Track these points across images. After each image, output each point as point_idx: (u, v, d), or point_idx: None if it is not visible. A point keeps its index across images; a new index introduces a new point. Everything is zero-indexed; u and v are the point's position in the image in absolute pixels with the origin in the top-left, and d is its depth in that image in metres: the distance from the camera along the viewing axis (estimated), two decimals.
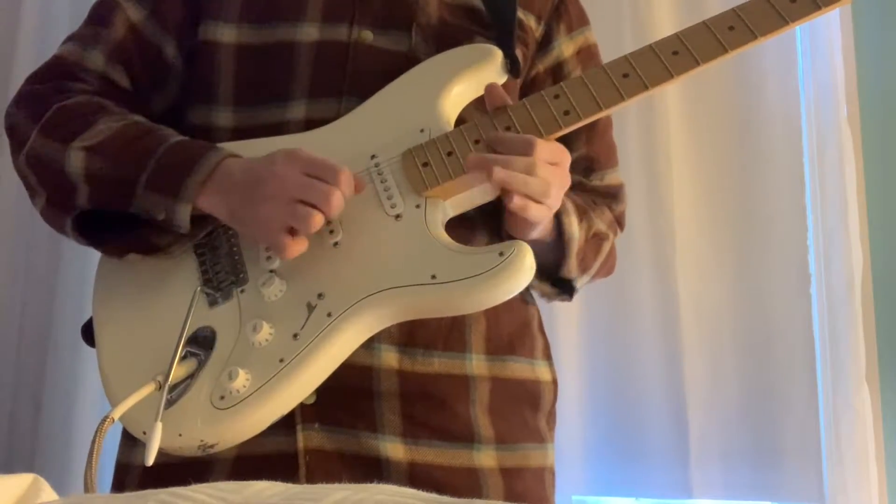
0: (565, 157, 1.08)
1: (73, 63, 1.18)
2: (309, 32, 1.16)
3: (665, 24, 1.94)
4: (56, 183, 1.09)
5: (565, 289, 1.23)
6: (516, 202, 1.03)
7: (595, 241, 1.23)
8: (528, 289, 1.23)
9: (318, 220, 0.99)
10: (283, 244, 0.99)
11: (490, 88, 1.09)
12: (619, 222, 1.29)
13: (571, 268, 1.18)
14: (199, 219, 1.06)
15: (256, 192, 1.00)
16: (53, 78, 1.18)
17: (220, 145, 1.08)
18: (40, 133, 1.11)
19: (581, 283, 1.23)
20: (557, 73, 1.25)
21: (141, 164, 1.05)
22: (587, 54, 1.27)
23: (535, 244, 1.09)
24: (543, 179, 1.03)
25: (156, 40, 1.19)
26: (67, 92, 1.15)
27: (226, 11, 1.18)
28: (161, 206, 1.03)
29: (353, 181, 1.01)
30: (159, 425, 0.93)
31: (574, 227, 1.16)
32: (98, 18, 1.21)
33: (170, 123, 1.14)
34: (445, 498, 0.61)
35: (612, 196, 1.28)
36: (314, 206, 0.98)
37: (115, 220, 1.09)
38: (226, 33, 1.17)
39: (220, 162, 1.04)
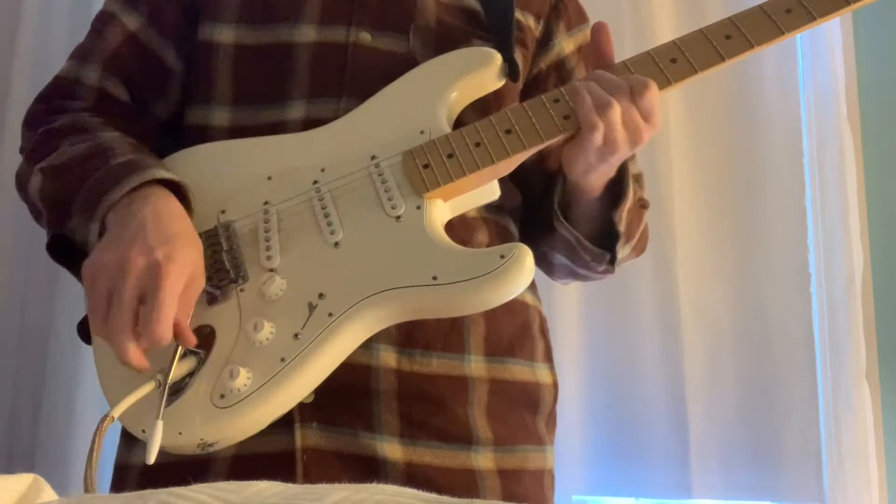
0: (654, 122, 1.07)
1: (71, 81, 1.20)
2: (307, 34, 1.16)
3: (665, 24, 1.94)
4: (31, 205, 1.14)
5: (606, 259, 1.19)
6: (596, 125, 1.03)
7: (638, 207, 1.23)
8: (533, 290, 1.23)
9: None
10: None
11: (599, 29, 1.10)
12: None
13: (622, 215, 1.16)
14: None
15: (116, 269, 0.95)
16: (52, 98, 1.20)
17: (158, 162, 1.08)
18: (25, 159, 1.16)
19: (623, 254, 1.21)
20: (560, 69, 1.25)
21: (77, 187, 1.05)
22: (587, 51, 1.27)
23: (582, 195, 1.12)
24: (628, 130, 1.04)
25: (155, 47, 1.19)
26: (62, 112, 1.17)
27: (224, 12, 1.18)
28: (83, 227, 1.03)
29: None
30: (160, 424, 0.93)
31: (629, 181, 1.16)
32: (94, 32, 1.23)
33: (176, 128, 1.15)
34: (446, 498, 0.61)
35: None
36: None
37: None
38: (224, 34, 1.18)
39: (131, 191, 1.01)
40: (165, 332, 0.93)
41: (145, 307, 0.93)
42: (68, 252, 1.10)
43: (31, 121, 1.20)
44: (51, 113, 1.17)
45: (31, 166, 1.13)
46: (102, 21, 1.22)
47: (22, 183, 1.15)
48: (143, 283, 0.94)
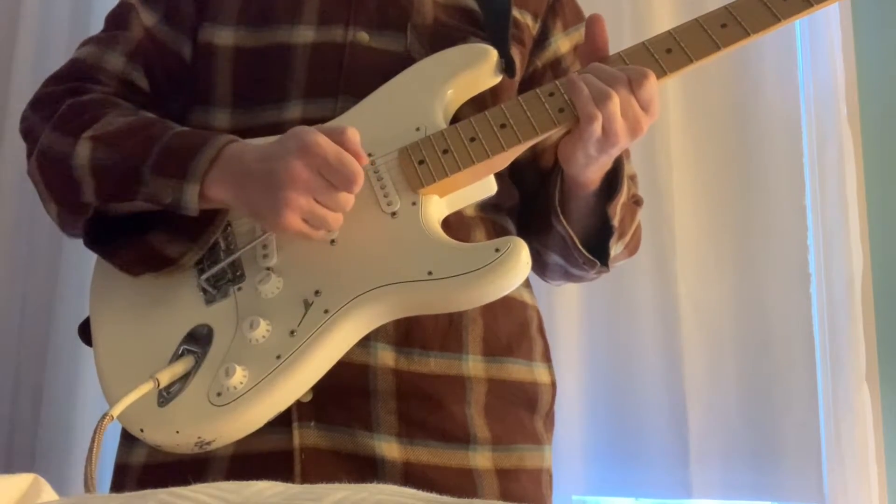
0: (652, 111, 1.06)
1: (92, 65, 1.18)
2: (305, 34, 1.16)
3: (665, 24, 1.94)
4: (63, 180, 1.09)
5: (600, 256, 1.19)
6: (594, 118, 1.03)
7: (632, 204, 1.23)
8: (530, 289, 1.23)
9: (334, 224, 1.00)
10: (302, 234, 1.00)
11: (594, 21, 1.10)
12: None
13: (616, 210, 1.15)
14: (206, 221, 1.05)
15: (271, 182, 0.99)
16: (71, 80, 1.18)
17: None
18: (51, 129, 1.12)
19: (616, 251, 1.21)
20: (556, 67, 1.25)
21: (146, 151, 1.04)
22: (583, 50, 1.27)
23: (579, 190, 1.11)
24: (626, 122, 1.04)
25: (172, 43, 1.19)
26: (84, 93, 1.15)
27: (223, 14, 1.19)
28: (168, 190, 1.02)
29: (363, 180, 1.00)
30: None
31: (624, 176, 1.15)
32: (116, 22, 1.21)
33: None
34: (445, 498, 0.61)
35: None
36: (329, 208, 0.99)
37: (124, 230, 1.08)
38: (223, 36, 1.18)
39: (226, 145, 1.04)
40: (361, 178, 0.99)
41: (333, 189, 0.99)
42: (95, 232, 1.09)
43: (43, 101, 1.17)
44: (74, 92, 1.15)
45: (69, 136, 1.09)
46: (124, 12, 1.21)
47: (53, 157, 1.10)
48: (322, 170, 0.98)
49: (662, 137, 1.93)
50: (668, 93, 1.94)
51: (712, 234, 1.95)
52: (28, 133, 1.16)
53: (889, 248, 1.95)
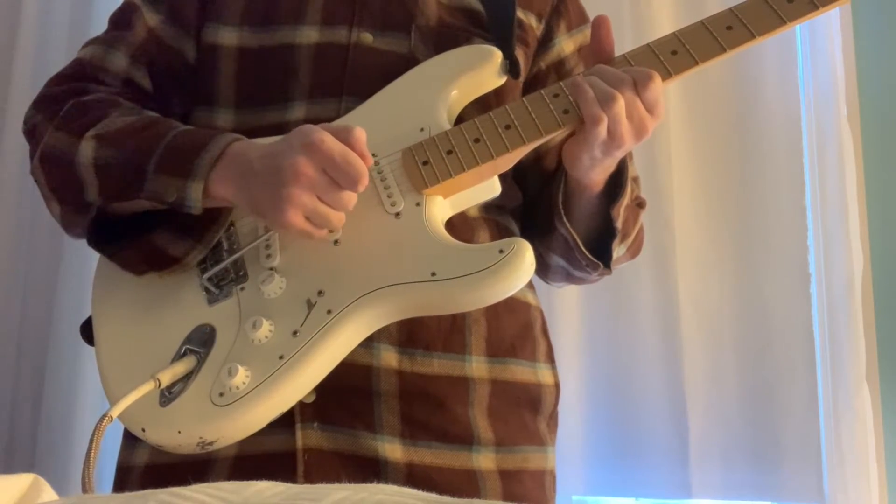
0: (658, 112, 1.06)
1: (95, 65, 1.18)
2: (309, 35, 1.16)
3: (665, 24, 1.94)
4: (66, 180, 1.09)
5: (603, 258, 1.18)
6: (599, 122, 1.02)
7: (635, 206, 1.22)
8: (533, 290, 1.22)
9: (337, 224, 1.00)
10: (305, 232, 1.00)
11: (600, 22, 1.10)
12: None
13: (619, 212, 1.15)
14: (210, 220, 1.05)
15: (274, 179, 0.98)
16: (74, 80, 1.18)
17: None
18: (54, 128, 1.12)
19: (618, 253, 1.20)
20: (559, 68, 1.25)
21: (150, 150, 1.04)
22: (587, 52, 1.27)
23: (583, 191, 1.11)
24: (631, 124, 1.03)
25: (175, 44, 1.19)
26: (87, 93, 1.15)
27: (227, 14, 1.19)
28: (172, 188, 1.02)
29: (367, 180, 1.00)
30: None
31: (628, 178, 1.15)
32: (119, 22, 1.21)
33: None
34: (446, 498, 0.61)
35: None
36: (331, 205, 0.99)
37: (127, 229, 1.08)
38: (227, 36, 1.18)
39: (231, 143, 1.03)
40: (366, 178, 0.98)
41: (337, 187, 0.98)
42: (99, 232, 1.09)
43: (47, 101, 1.17)
44: (78, 93, 1.15)
45: (72, 136, 1.09)
46: (128, 12, 1.21)
47: (56, 157, 1.10)
48: (325, 167, 0.97)
49: (663, 138, 1.93)
50: (668, 93, 1.94)
51: (712, 234, 1.95)
52: (31, 133, 1.16)
53: (889, 248, 1.95)
